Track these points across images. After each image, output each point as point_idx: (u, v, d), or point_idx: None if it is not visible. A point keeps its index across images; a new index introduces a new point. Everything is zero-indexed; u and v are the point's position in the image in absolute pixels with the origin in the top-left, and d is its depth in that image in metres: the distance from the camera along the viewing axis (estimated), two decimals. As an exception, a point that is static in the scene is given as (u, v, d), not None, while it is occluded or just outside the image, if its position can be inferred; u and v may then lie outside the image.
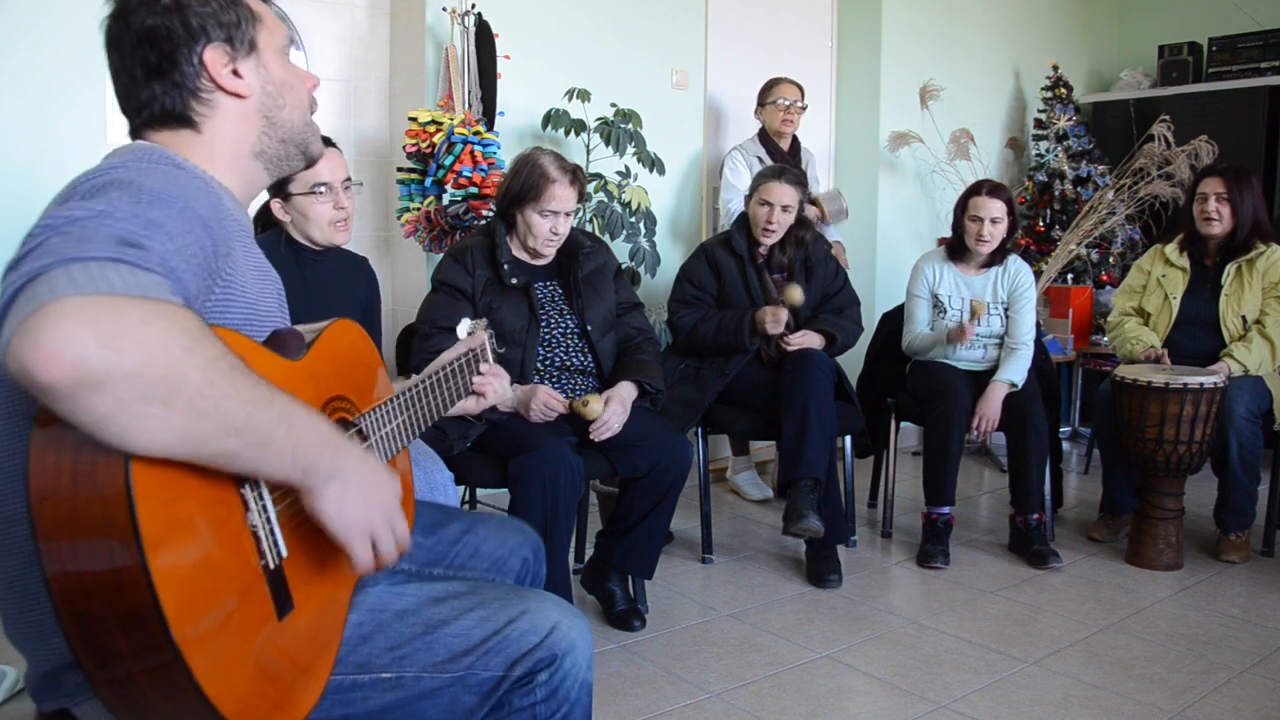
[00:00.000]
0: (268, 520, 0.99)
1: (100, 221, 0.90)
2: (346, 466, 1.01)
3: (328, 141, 2.32)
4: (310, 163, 1.29)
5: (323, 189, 2.25)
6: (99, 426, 0.80)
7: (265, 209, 2.37)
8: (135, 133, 1.19)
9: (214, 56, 1.14)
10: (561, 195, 2.53)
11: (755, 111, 4.00)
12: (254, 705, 0.91)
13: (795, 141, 4.03)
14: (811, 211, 3.81)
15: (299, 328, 1.22)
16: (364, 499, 1.03)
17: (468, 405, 1.56)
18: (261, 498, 0.98)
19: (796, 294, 3.07)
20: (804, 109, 3.95)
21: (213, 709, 0.85)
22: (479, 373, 1.56)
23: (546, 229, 2.57)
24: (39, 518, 0.82)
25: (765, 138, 3.94)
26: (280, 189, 2.25)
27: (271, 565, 0.98)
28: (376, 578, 1.27)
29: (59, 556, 0.82)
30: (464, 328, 1.59)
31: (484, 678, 1.19)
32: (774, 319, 3.08)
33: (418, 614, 1.22)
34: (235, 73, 1.16)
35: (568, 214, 2.58)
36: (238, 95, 1.17)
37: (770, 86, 3.94)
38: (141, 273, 0.87)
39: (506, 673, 1.20)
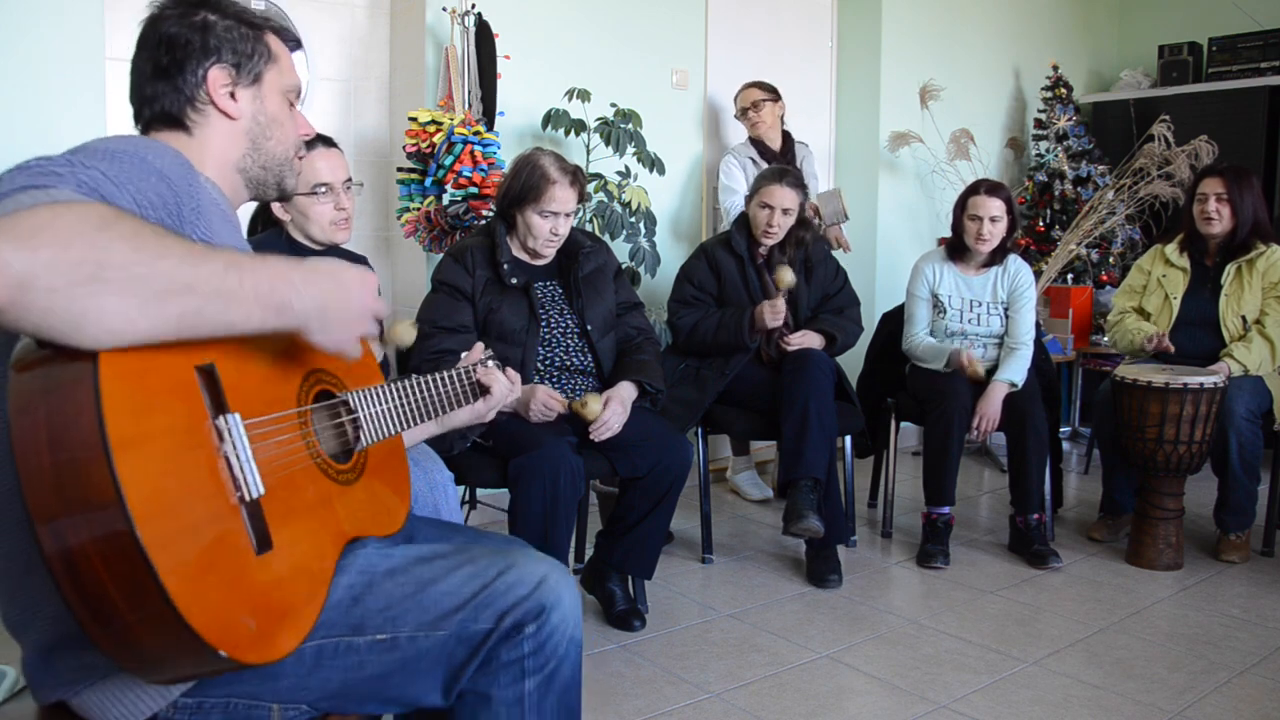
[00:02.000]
0: (241, 451, 1.00)
1: (24, 166, 0.97)
2: (318, 297, 1.04)
3: (329, 141, 2.32)
4: (284, 196, 1.39)
5: (323, 189, 2.26)
6: (47, 324, 0.84)
7: (265, 207, 2.37)
8: (141, 132, 1.28)
9: (217, 75, 1.25)
10: (562, 196, 2.53)
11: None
12: (229, 628, 0.92)
13: (788, 139, 4.03)
14: (807, 209, 3.81)
15: None
16: (344, 316, 1.07)
17: (476, 408, 1.59)
18: (236, 428, 1.00)
19: (787, 275, 3.06)
20: (771, 101, 3.92)
21: (187, 626, 0.87)
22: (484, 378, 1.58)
23: (546, 230, 2.57)
24: (19, 456, 0.85)
25: (755, 140, 3.95)
26: None
27: (247, 497, 1.00)
28: (365, 541, 1.28)
29: (36, 478, 0.85)
30: (466, 354, 1.62)
31: (475, 630, 1.20)
32: (773, 311, 3.08)
33: (407, 573, 1.23)
34: (233, 96, 1.26)
35: (568, 215, 2.58)
36: (228, 115, 1.27)
37: (736, 96, 3.98)
38: (52, 190, 0.93)
39: (496, 625, 1.20)
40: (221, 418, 0.99)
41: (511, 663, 1.21)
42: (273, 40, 1.31)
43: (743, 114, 3.96)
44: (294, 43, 1.37)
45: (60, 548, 0.85)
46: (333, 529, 1.17)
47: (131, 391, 0.89)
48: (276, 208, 2.29)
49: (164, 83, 1.24)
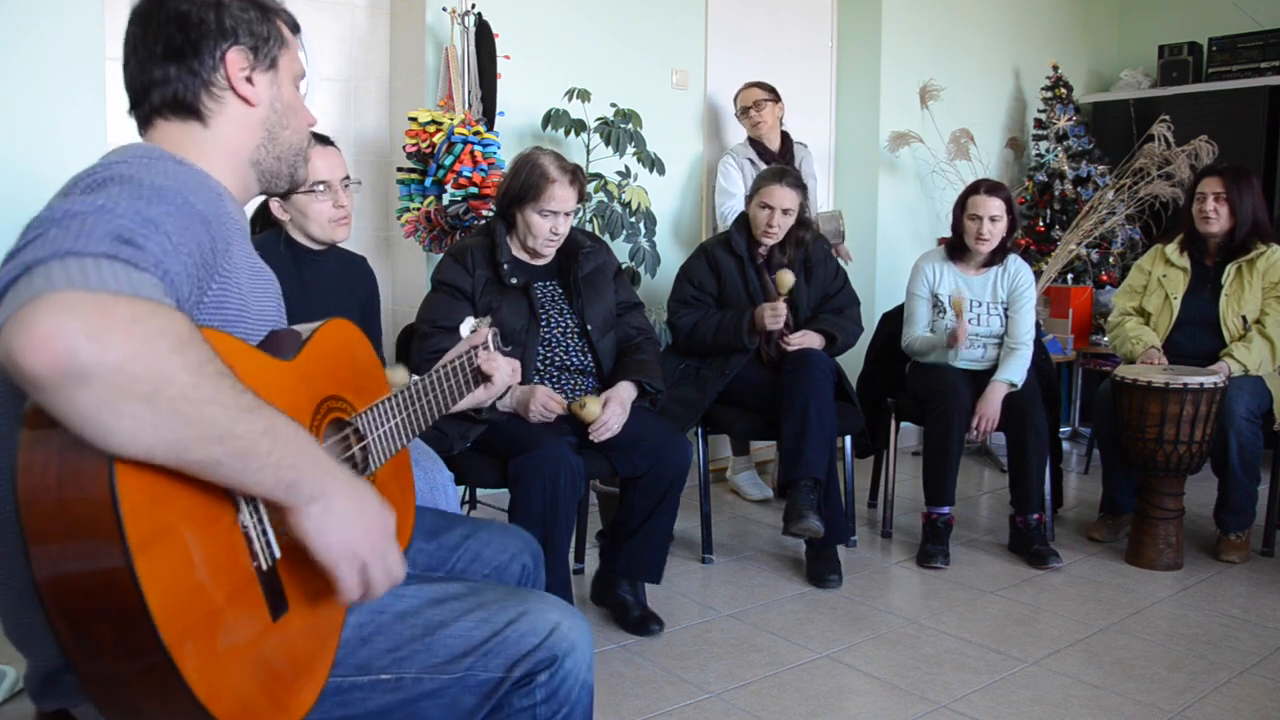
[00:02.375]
0: (259, 520, 0.98)
1: (99, 217, 0.90)
2: (331, 488, 0.98)
3: (327, 140, 2.32)
4: (294, 188, 1.32)
5: (321, 187, 2.25)
6: (82, 421, 0.80)
7: (264, 207, 2.37)
8: (143, 122, 1.20)
9: (236, 58, 1.17)
10: (561, 195, 2.53)
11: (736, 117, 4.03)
12: (248, 706, 0.91)
13: (787, 139, 4.03)
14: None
15: (296, 327, 1.21)
16: (348, 524, 1.00)
17: (477, 395, 1.54)
18: (253, 498, 0.97)
19: (788, 278, 3.06)
20: (772, 102, 3.92)
21: (204, 710, 0.85)
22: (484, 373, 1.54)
23: (546, 229, 2.57)
24: (27, 520, 0.82)
25: (754, 140, 3.95)
26: None
27: (264, 566, 0.97)
28: None
29: (47, 558, 0.82)
30: (467, 325, 1.57)
31: (484, 679, 1.19)
32: (773, 314, 3.08)
33: (418, 615, 1.22)
34: (250, 80, 1.19)
35: (567, 214, 2.58)
36: (247, 101, 1.19)
37: (736, 96, 3.98)
38: (136, 272, 0.87)
39: (506, 674, 1.19)
40: None
41: (523, 710, 1.21)
42: (281, 24, 1.25)
43: (743, 113, 3.96)
44: (295, 28, 1.29)
45: (74, 633, 0.82)
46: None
47: (148, 480, 0.85)
48: (275, 207, 2.29)
49: (177, 65, 1.14)
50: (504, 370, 1.56)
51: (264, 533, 0.98)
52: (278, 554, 0.99)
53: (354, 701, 1.16)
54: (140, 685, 0.84)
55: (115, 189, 0.97)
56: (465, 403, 1.55)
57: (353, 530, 1.00)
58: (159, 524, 0.85)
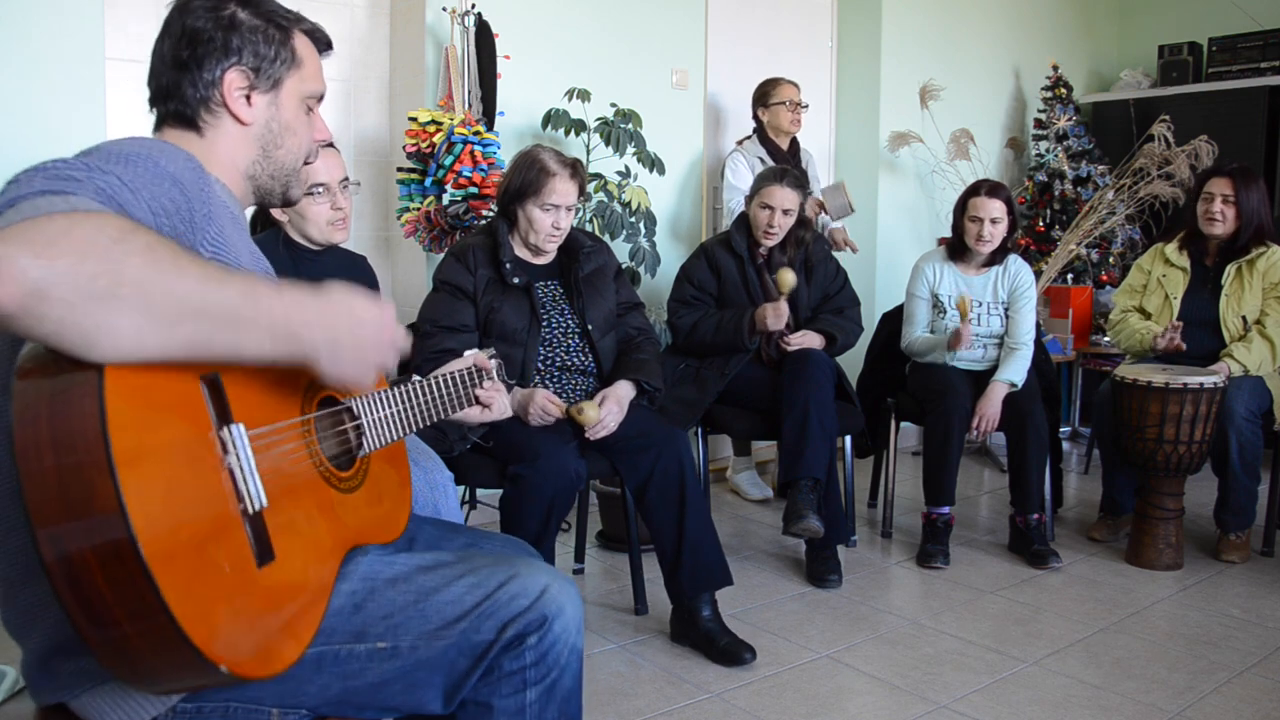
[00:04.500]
0: (245, 463, 0.99)
1: (41, 168, 0.95)
2: (330, 324, 1.02)
3: (327, 142, 2.32)
4: (287, 204, 1.36)
5: (320, 189, 2.26)
6: (59, 335, 0.83)
7: (264, 208, 2.37)
8: (156, 124, 1.26)
9: (234, 78, 1.22)
10: (562, 189, 2.54)
11: (756, 113, 3.98)
12: (229, 642, 0.92)
13: (794, 141, 4.03)
14: (812, 206, 3.81)
15: None
16: (358, 350, 1.05)
17: (472, 413, 1.56)
18: (240, 439, 0.99)
19: (789, 277, 3.04)
20: (806, 107, 3.96)
21: (184, 635, 0.86)
22: (483, 386, 1.55)
23: (548, 224, 2.57)
24: (22, 464, 0.85)
25: (765, 138, 3.94)
26: None
27: (250, 510, 0.99)
28: (366, 548, 1.27)
29: (38, 485, 0.85)
30: (471, 353, 1.60)
31: (476, 641, 1.20)
32: (775, 314, 3.08)
33: (409, 581, 1.22)
34: (249, 100, 1.23)
35: (569, 208, 2.58)
36: (240, 120, 1.23)
37: (772, 88, 3.93)
38: (70, 197, 0.91)
39: (498, 636, 1.20)
40: (225, 429, 0.98)
41: (513, 673, 1.21)
42: (301, 43, 1.27)
43: (780, 106, 3.87)
44: (325, 45, 1.33)
45: (60, 556, 0.85)
46: (334, 537, 1.16)
47: (136, 404, 0.88)
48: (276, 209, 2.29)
49: (180, 75, 1.21)
50: (501, 403, 1.58)
51: (250, 475, 0.99)
52: (265, 502, 1.01)
53: (353, 673, 1.17)
54: (124, 612, 0.86)
55: (80, 154, 1.03)
56: (459, 417, 1.56)
57: (363, 351, 1.06)
58: (144, 445, 0.88)
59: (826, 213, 3.98)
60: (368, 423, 1.28)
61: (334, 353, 1.03)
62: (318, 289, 1.04)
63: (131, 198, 0.99)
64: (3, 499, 1.02)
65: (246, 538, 0.98)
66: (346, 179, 2.34)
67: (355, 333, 1.05)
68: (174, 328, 0.89)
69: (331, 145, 2.32)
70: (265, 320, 0.95)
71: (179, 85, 1.21)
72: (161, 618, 0.86)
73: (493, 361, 1.58)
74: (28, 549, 1.01)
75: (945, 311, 3.40)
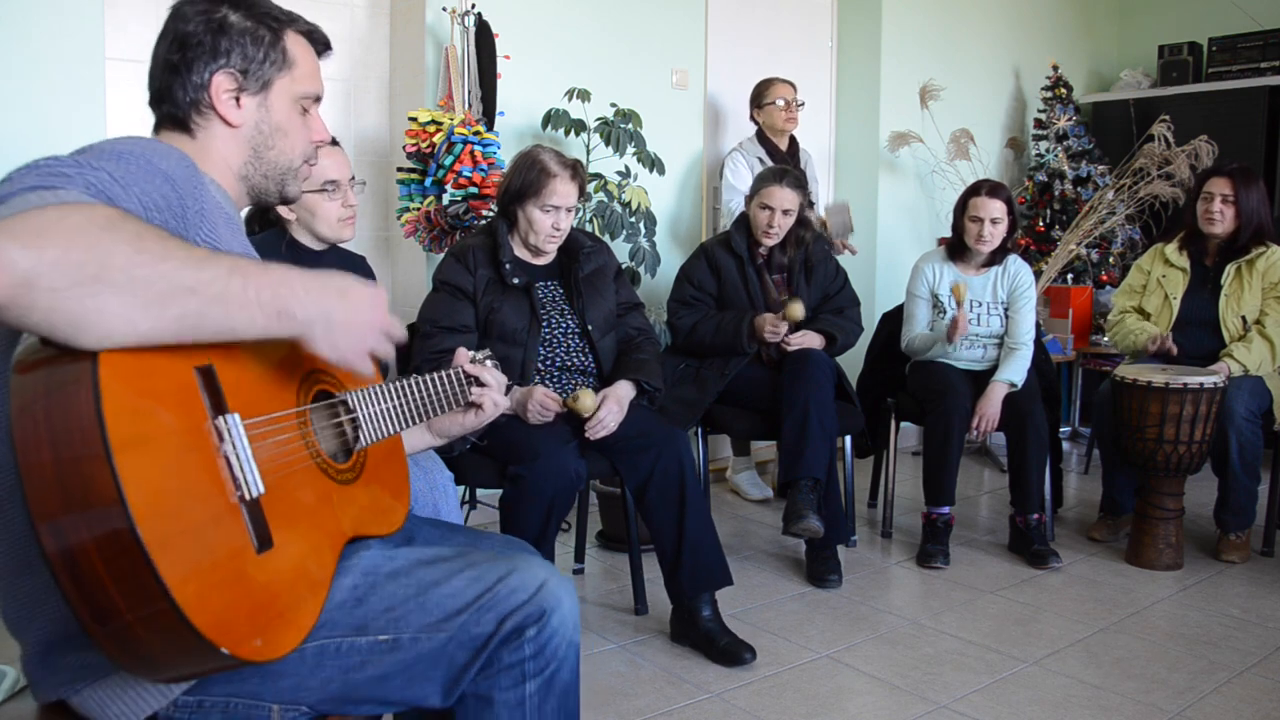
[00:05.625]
0: (241, 450, 1.00)
1: (33, 166, 0.96)
2: (321, 300, 1.03)
3: (333, 140, 2.33)
4: (284, 202, 1.36)
5: (332, 187, 2.27)
6: (51, 323, 0.85)
7: (263, 209, 2.38)
8: (155, 127, 1.28)
9: (222, 80, 1.23)
10: (562, 190, 2.54)
11: (751, 114, 3.99)
12: (230, 626, 0.93)
13: (793, 141, 4.03)
14: (815, 220, 3.81)
15: None
16: (352, 329, 1.06)
17: (467, 420, 1.55)
18: (236, 428, 1.00)
19: (798, 310, 3.03)
20: (802, 105, 3.96)
21: (183, 615, 0.87)
22: (479, 383, 1.53)
23: (548, 225, 2.57)
24: (21, 453, 0.86)
25: (764, 138, 3.94)
26: None
27: (248, 496, 1.00)
28: (369, 543, 1.27)
29: (37, 474, 0.86)
30: (461, 352, 1.58)
31: (476, 634, 1.21)
32: (773, 329, 3.08)
33: (409, 575, 1.23)
34: (238, 102, 1.24)
35: (569, 209, 2.58)
36: (228, 122, 1.24)
37: (766, 88, 3.95)
38: (60, 191, 0.93)
39: (497, 628, 1.21)
40: (221, 418, 0.99)
41: (513, 665, 1.22)
42: (294, 43, 1.27)
43: (774, 106, 3.88)
44: (323, 45, 1.33)
45: (61, 546, 0.86)
46: (333, 528, 1.17)
47: (131, 393, 0.89)
48: (283, 207, 2.28)
49: (171, 78, 1.23)
50: (492, 399, 1.53)
51: (246, 463, 1.00)
52: (262, 489, 1.02)
53: (354, 666, 1.17)
54: (125, 600, 0.86)
55: (76, 154, 1.04)
56: (455, 428, 1.55)
57: (357, 329, 1.07)
58: (140, 432, 0.89)
59: (827, 229, 3.99)
60: (364, 416, 1.29)
61: (328, 330, 1.04)
62: (310, 270, 1.05)
63: (121, 192, 1.00)
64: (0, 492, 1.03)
65: (245, 524, 0.99)
66: (353, 176, 2.35)
67: (347, 311, 1.06)
68: (164, 308, 0.90)
69: (336, 143, 2.33)
70: (254, 296, 0.97)
71: (170, 88, 1.23)
72: (163, 604, 0.87)
73: (488, 362, 1.57)
74: (25, 542, 1.01)
75: (945, 311, 3.40)
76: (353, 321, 1.07)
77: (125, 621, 0.87)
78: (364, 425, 1.29)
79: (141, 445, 0.88)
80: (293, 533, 1.07)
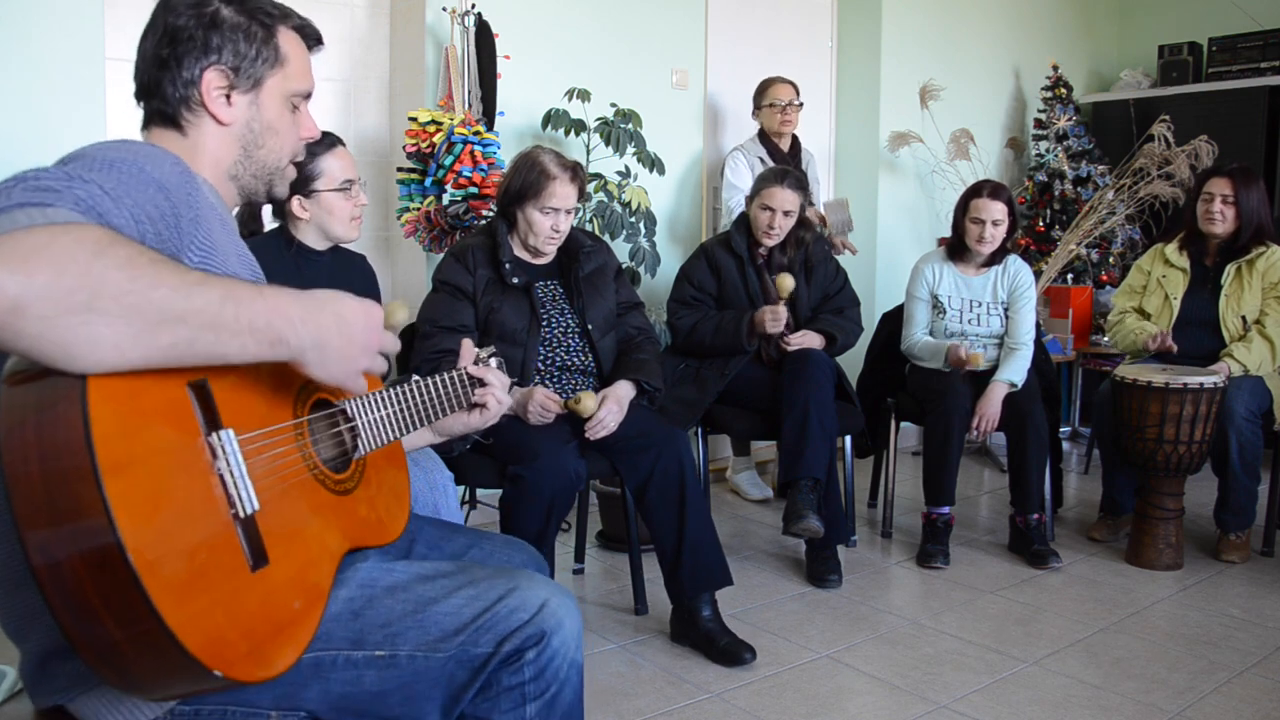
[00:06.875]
0: (235, 468, 0.99)
1: (21, 179, 0.94)
2: (316, 329, 1.01)
3: (336, 139, 2.33)
4: (272, 201, 1.34)
5: (349, 185, 2.28)
6: (39, 349, 0.83)
7: (253, 214, 2.39)
8: (144, 123, 1.25)
9: (213, 77, 1.20)
10: (562, 192, 2.53)
11: (752, 114, 4.00)
12: (224, 648, 0.91)
13: (795, 141, 4.03)
14: (813, 216, 3.81)
15: None
16: (345, 351, 1.05)
17: (471, 420, 1.54)
18: (230, 444, 0.99)
19: (788, 282, 3.06)
20: (800, 106, 3.95)
21: (174, 638, 0.86)
22: (481, 383, 1.52)
23: (548, 226, 2.57)
24: (9, 468, 0.85)
25: (765, 138, 3.94)
26: (304, 185, 2.24)
27: (242, 514, 0.98)
28: (366, 554, 1.26)
29: (25, 493, 0.85)
30: (471, 350, 1.57)
31: (475, 654, 1.19)
32: (774, 318, 3.08)
33: (408, 590, 1.22)
34: (228, 99, 1.22)
35: (568, 211, 2.58)
36: (218, 120, 1.22)
37: (764, 88, 3.95)
38: (49, 210, 0.90)
39: (496, 649, 1.19)
40: (215, 434, 0.98)
41: (512, 688, 1.21)
42: (286, 39, 1.25)
43: (772, 108, 3.89)
44: (314, 40, 1.30)
45: (48, 563, 0.84)
46: (330, 541, 1.16)
47: (121, 412, 0.88)
48: (296, 206, 2.27)
49: (161, 74, 1.20)
50: (496, 397, 1.52)
51: (241, 481, 0.99)
52: (256, 505, 1.00)
53: (351, 680, 1.17)
54: (113, 619, 0.85)
55: (60, 163, 1.02)
56: (458, 427, 1.54)
57: (350, 352, 1.06)
58: (130, 453, 0.88)
59: (826, 226, 3.99)
60: (362, 424, 1.27)
61: (321, 354, 1.02)
62: (303, 291, 1.04)
63: (112, 206, 0.98)
64: None
65: (239, 542, 0.98)
66: (359, 176, 2.37)
67: (342, 334, 1.04)
68: (155, 336, 0.88)
69: (341, 143, 2.34)
70: (247, 323, 0.95)
71: (160, 83, 1.20)
72: (151, 623, 0.85)
73: (493, 361, 1.57)
74: (22, 557, 1.01)
75: (945, 312, 3.40)
76: (347, 345, 1.05)
77: (113, 640, 0.86)
78: (363, 434, 1.27)
79: (132, 465, 0.87)
80: (289, 548, 1.06)
